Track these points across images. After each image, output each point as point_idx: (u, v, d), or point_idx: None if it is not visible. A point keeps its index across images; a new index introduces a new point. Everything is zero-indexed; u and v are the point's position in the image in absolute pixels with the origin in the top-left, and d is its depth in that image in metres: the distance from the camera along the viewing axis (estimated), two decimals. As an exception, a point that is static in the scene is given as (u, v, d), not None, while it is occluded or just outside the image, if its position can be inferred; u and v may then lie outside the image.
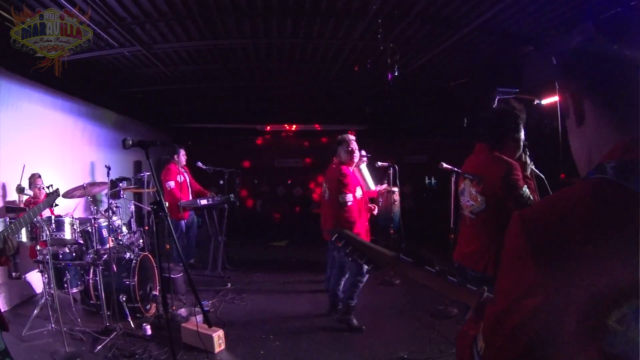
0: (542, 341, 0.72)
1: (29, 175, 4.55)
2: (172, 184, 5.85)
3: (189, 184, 6.16)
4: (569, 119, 0.88)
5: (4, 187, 4.60)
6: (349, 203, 3.82)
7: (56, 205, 3.80)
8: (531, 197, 2.27)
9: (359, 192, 3.97)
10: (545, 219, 0.74)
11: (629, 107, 0.79)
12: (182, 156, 6.11)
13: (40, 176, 4.56)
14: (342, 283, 4.28)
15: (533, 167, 2.49)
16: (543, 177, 2.47)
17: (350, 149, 4.00)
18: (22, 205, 4.33)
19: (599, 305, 0.68)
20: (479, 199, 2.39)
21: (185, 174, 6.16)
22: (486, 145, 2.46)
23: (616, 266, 0.67)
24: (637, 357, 0.68)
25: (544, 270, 0.69)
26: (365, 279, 4.03)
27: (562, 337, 0.70)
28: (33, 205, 3.88)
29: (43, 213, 3.73)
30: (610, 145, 0.78)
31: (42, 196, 4.37)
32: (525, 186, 2.30)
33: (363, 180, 4.50)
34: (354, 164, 4.11)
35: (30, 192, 4.52)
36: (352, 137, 4.08)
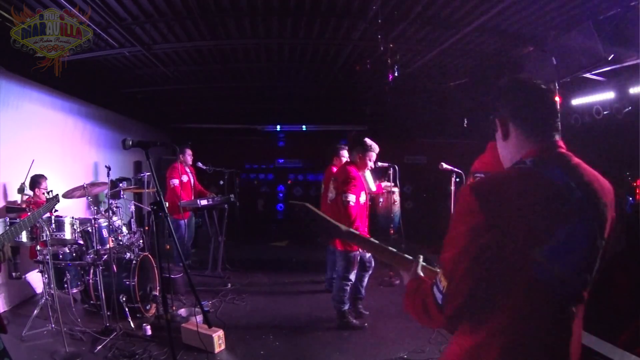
0: (491, 270, 1.03)
1: (33, 175, 4.54)
2: (175, 182, 5.84)
3: (192, 185, 6.13)
4: (497, 134, 1.23)
5: (4, 187, 4.60)
6: (351, 203, 3.82)
7: (56, 211, 3.81)
8: None
9: (362, 198, 3.96)
10: (488, 185, 1.12)
11: (539, 124, 1.16)
12: (188, 156, 6.11)
13: (46, 179, 4.55)
14: None
15: None
16: None
17: (370, 160, 4.06)
18: (23, 206, 4.33)
19: (526, 242, 1.01)
20: None
21: (190, 175, 6.14)
22: None
23: (533, 217, 1.03)
24: (558, 285, 1.04)
25: (489, 217, 1.03)
26: (351, 283, 4.01)
27: (504, 266, 1.02)
28: (33, 205, 3.89)
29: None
30: (527, 150, 1.15)
31: (43, 199, 4.36)
32: None
33: (366, 183, 4.49)
34: (363, 170, 4.16)
35: (30, 192, 4.51)
36: (376, 149, 4.09)
